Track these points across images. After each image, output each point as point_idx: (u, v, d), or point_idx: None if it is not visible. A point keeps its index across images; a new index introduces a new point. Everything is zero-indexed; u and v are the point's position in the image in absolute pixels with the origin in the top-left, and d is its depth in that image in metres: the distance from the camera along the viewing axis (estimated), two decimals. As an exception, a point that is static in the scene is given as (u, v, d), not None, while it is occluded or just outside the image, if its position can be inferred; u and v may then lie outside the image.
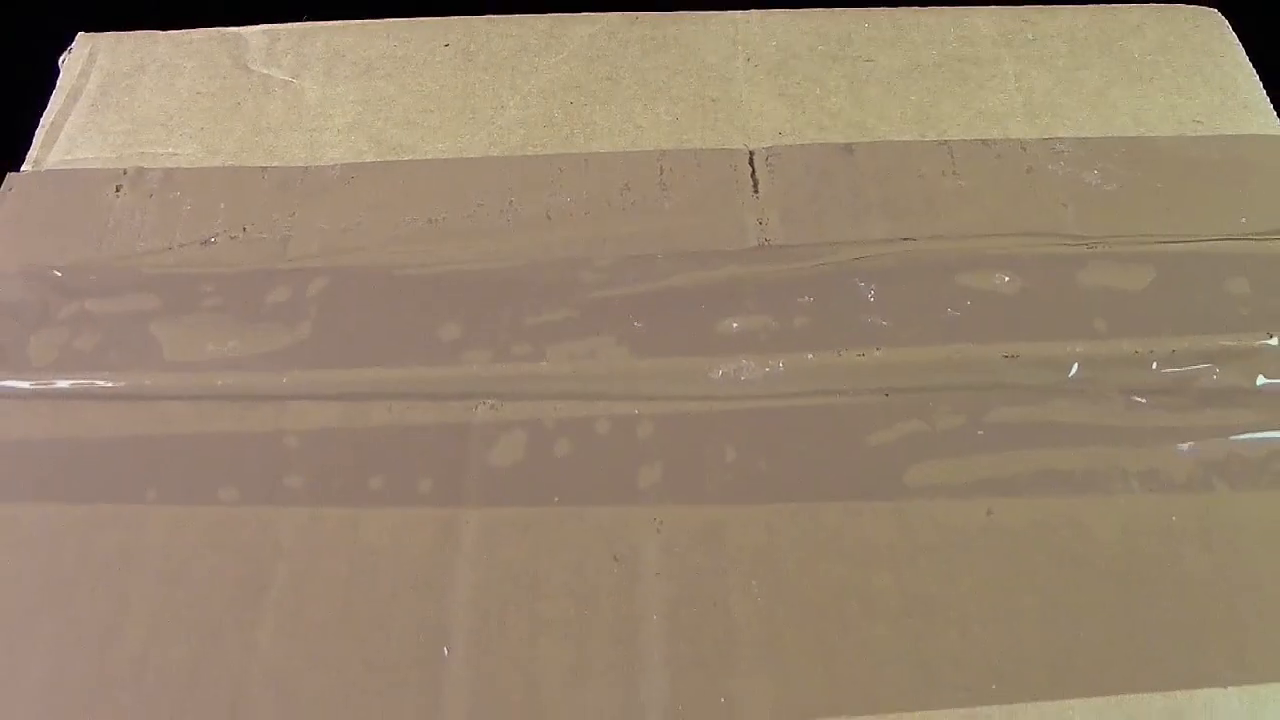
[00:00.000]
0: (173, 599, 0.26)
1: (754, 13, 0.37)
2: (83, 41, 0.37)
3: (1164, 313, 0.30)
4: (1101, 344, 0.29)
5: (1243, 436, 0.28)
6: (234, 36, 0.37)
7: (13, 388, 0.29)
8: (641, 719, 0.24)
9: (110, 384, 0.29)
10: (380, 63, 0.36)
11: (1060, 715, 0.24)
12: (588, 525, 0.26)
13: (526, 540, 0.26)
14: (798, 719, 0.24)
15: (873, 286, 0.30)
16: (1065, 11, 0.37)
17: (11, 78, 0.38)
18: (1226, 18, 0.37)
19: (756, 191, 0.32)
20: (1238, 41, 0.36)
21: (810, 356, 0.29)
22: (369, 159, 0.33)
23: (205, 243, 0.32)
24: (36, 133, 0.35)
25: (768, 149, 0.33)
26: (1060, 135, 0.34)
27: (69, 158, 0.34)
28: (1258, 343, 0.29)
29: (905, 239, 0.31)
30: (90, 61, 0.36)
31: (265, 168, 0.33)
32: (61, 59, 0.37)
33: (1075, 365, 0.29)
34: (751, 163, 0.33)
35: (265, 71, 0.36)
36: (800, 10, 0.37)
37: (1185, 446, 0.27)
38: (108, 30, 0.38)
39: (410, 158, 0.33)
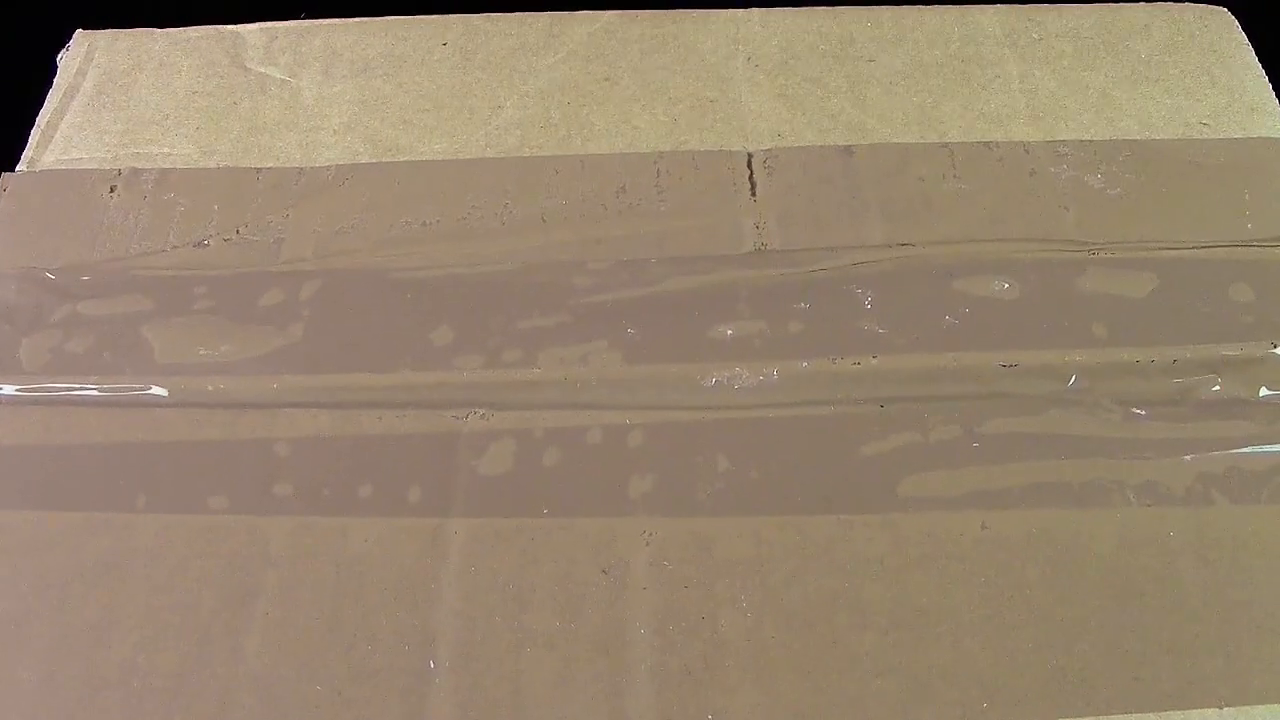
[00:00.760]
0: (161, 606, 0.26)
1: (755, 11, 0.37)
2: (80, 39, 0.37)
3: (1165, 321, 0.29)
4: (1101, 352, 0.29)
5: (1244, 450, 0.27)
6: (232, 35, 0.37)
7: (3, 393, 0.29)
8: (626, 734, 0.24)
9: (100, 390, 0.29)
10: (378, 61, 0.36)
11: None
12: (576, 537, 0.26)
13: (514, 551, 0.26)
14: (784, 735, 0.24)
15: (870, 293, 0.30)
16: (1071, 10, 0.36)
17: (9, 76, 0.38)
18: (1236, 16, 0.36)
19: (754, 195, 0.32)
20: (1247, 41, 0.35)
21: (805, 364, 0.29)
22: (365, 160, 0.33)
23: (199, 244, 0.32)
24: (32, 132, 0.35)
25: (766, 151, 0.33)
26: (1064, 138, 0.33)
27: (64, 157, 0.34)
28: (1261, 353, 0.28)
29: (904, 244, 0.31)
30: (87, 60, 0.36)
31: (260, 169, 0.33)
32: (59, 57, 0.37)
33: (1074, 376, 0.28)
34: (750, 165, 0.33)
35: (263, 70, 0.36)
36: (802, 9, 0.37)
37: (1185, 459, 0.27)
38: (106, 28, 0.38)
39: (406, 158, 0.33)
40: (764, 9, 0.37)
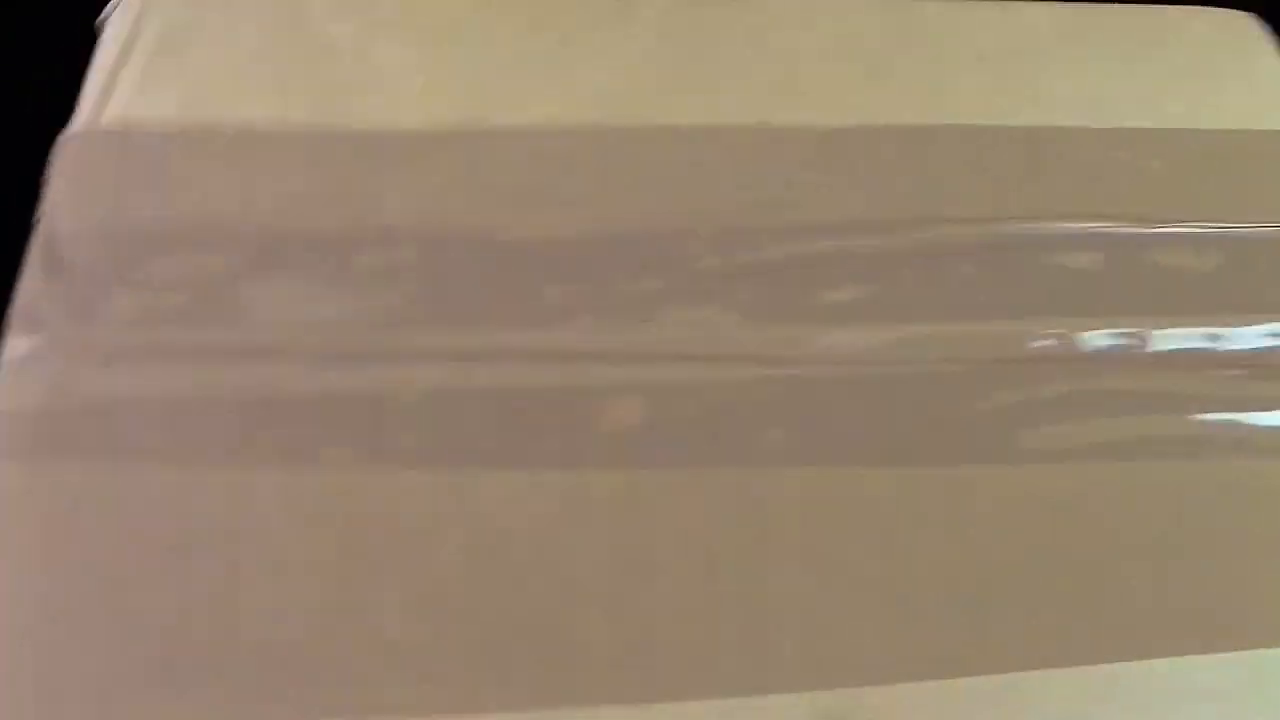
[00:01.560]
0: (288, 566, 0.25)
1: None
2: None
3: (1234, 292, 0.31)
4: (1179, 318, 0.30)
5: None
6: (296, 3, 0.36)
7: (88, 343, 0.28)
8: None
9: (196, 344, 0.28)
10: (452, 28, 0.35)
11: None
12: (709, 487, 0.26)
13: (650, 504, 0.26)
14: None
15: (966, 262, 0.31)
16: (1114, 9, 0.38)
17: (48, 38, 0.36)
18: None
19: (841, 170, 0.33)
20: (1275, 44, 0.38)
21: (912, 328, 0.29)
22: (449, 125, 0.33)
23: (283, 205, 0.30)
24: (84, 92, 0.34)
25: (855, 127, 0.33)
26: (1122, 125, 0.35)
27: (126, 116, 0.33)
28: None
29: (993, 219, 0.32)
30: (139, 20, 0.35)
31: (341, 132, 0.32)
32: (102, 18, 0.36)
33: (1155, 339, 0.29)
34: (833, 141, 0.33)
35: (331, 30, 0.35)
36: None
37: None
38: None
39: (490, 125, 0.33)
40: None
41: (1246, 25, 0.38)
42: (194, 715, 0.23)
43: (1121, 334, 0.30)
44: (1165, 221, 0.33)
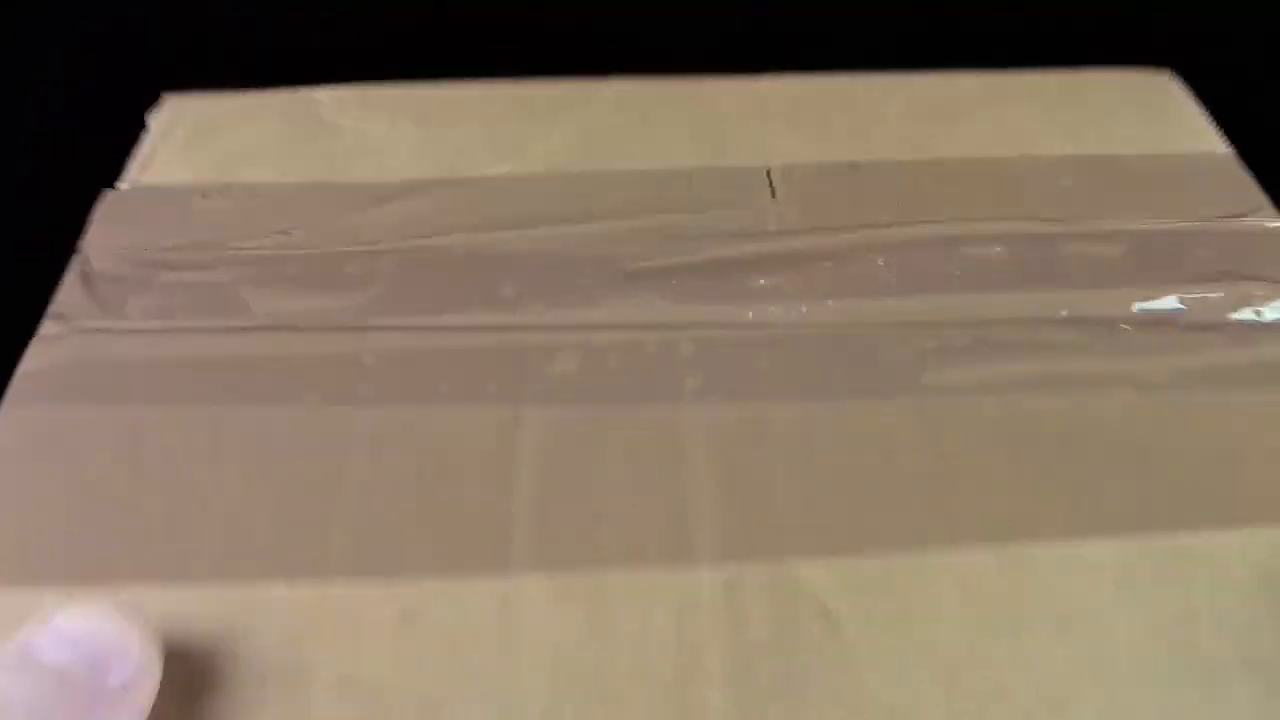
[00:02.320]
0: (257, 481, 0.28)
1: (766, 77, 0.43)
2: (170, 101, 0.42)
3: (1135, 275, 0.34)
4: (1085, 293, 0.33)
5: (1219, 352, 0.31)
6: (305, 96, 0.42)
7: (110, 327, 0.32)
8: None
9: (202, 325, 0.32)
10: (438, 111, 0.41)
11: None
12: (637, 424, 0.29)
13: (582, 437, 0.29)
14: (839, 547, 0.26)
15: (883, 256, 0.34)
16: (1037, 74, 0.43)
17: (100, 136, 0.43)
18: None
19: (774, 196, 0.37)
20: (1193, 101, 0.42)
21: (831, 302, 0.33)
22: (426, 177, 0.38)
23: (285, 232, 0.36)
24: (128, 165, 0.40)
25: (783, 166, 0.38)
26: (1038, 153, 0.39)
27: (157, 179, 0.39)
28: (1224, 291, 0.33)
29: (909, 223, 0.35)
30: (176, 114, 0.41)
31: (337, 183, 0.38)
32: (150, 114, 0.42)
33: (1064, 309, 0.32)
34: (769, 176, 0.38)
35: (335, 120, 0.41)
36: (810, 75, 0.43)
37: (1170, 359, 0.31)
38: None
39: (461, 176, 0.38)
40: (776, 75, 0.43)
41: (1165, 81, 0.43)
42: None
43: (1027, 301, 0.33)
44: (1072, 220, 0.36)
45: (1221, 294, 0.33)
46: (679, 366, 0.31)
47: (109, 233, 0.36)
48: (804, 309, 0.33)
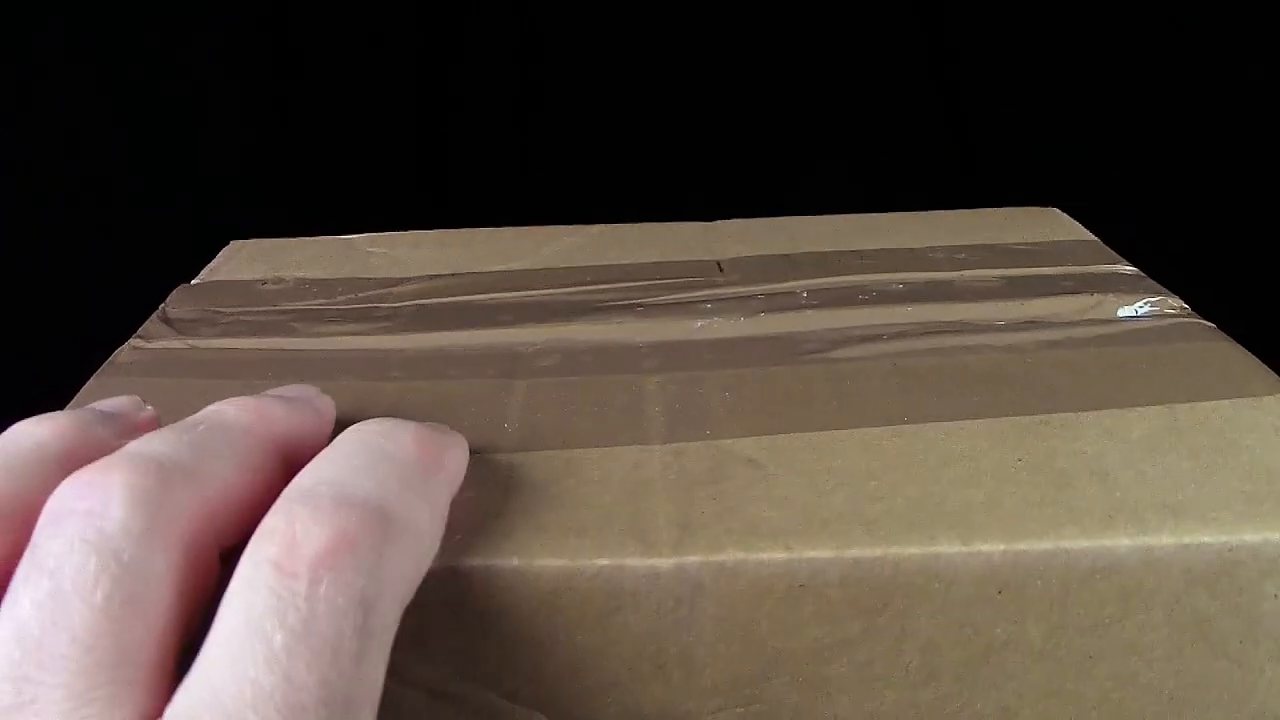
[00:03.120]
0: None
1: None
2: (233, 245, 0.53)
3: (1014, 292, 0.42)
4: (971, 305, 0.41)
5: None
6: (345, 240, 0.53)
7: (179, 345, 0.41)
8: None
9: (252, 346, 0.41)
10: (454, 239, 0.51)
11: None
12: (605, 382, 0.37)
13: (559, 388, 0.36)
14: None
15: (806, 292, 0.43)
16: (946, 211, 0.53)
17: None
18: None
19: (721, 271, 0.46)
20: (1080, 226, 0.52)
21: (763, 315, 0.41)
22: (446, 271, 0.48)
23: (329, 297, 0.45)
24: (200, 274, 0.50)
25: (731, 259, 0.47)
26: (932, 244, 0.48)
27: (225, 278, 0.48)
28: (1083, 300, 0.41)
29: (831, 275, 0.45)
30: (237, 249, 0.52)
31: (371, 278, 0.47)
32: (219, 256, 0.53)
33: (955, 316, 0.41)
34: (719, 265, 0.47)
35: (367, 248, 0.51)
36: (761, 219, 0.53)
37: (1039, 334, 0.39)
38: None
39: (475, 270, 0.48)
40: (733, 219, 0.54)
41: (1054, 213, 0.53)
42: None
43: (922, 310, 0.41)
44: (965, 269, 0.45)
45: (1082, 300, 0.41)
46: (639, 356, 0.39)
47: (183, 297, 0.45)
48: (741, 319, 0.41)
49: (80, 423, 0.26)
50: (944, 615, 0.27)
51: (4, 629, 0.19)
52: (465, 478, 0.29)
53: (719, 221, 0.54)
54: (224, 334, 0.41)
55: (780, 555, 0.27)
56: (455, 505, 0.28)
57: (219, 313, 0.43)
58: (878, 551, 0.27)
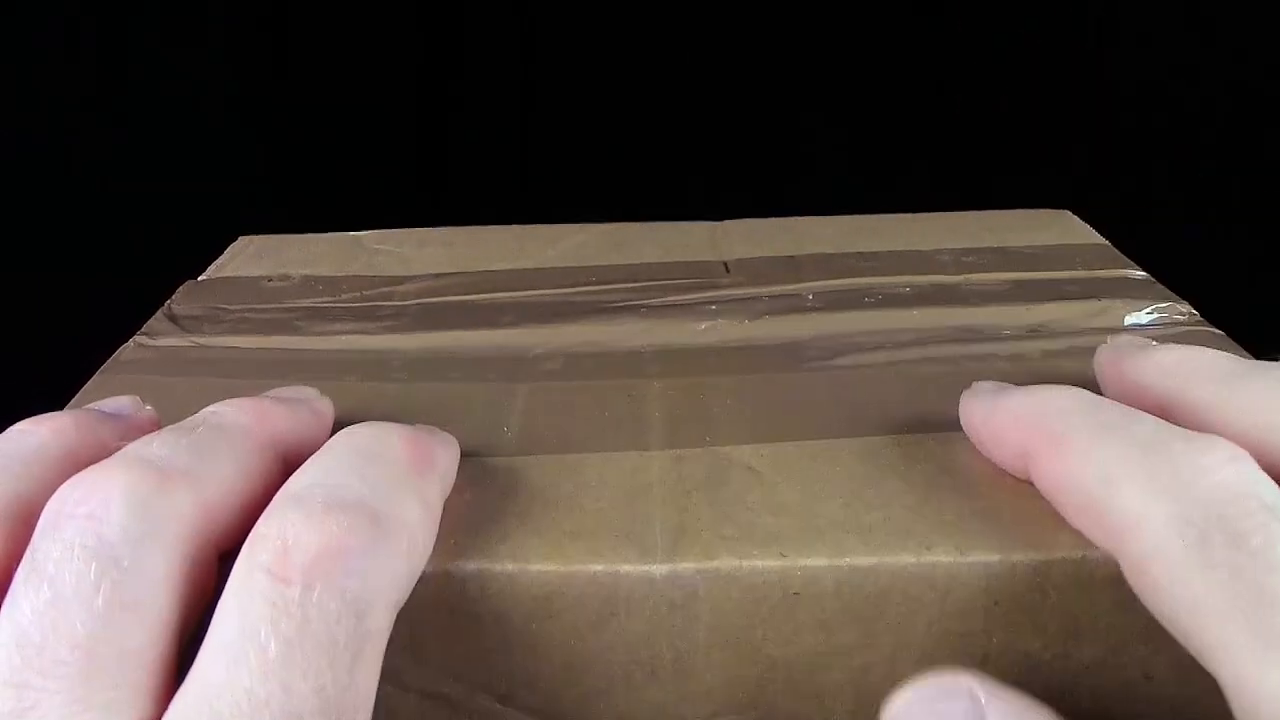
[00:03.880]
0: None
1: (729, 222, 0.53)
2: (242, 240, 0.53)
3: (1021, 296, 0.42)
4: (976, 309, 0.41)
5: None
6: (353, 236, 0.53)
7: (184, 343, 0.41)
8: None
9: (257, 344, 0.41)
10: (460, 238, 0.51)
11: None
12: (606, 385, 0.37)
13: (560, 391, 0.36)
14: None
15: (811, 294, 0.43)
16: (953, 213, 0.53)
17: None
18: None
19: (728, 272, 0.46)
20: (1089, 227, 0.51)
21: (766, 318, 0.41)
22: (450, 270, 0.47)
23: (334, 294, 0.45)
24: (207, 269, 0.50)
25: (737, 260, 0.47)
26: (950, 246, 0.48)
27: (231, 274, 0.48)
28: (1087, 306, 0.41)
29: (836, 278, 0.44)
30: (245, 245, 0.52)
31: (376, 275, 0.47)
32: (227, 250, 0.53)
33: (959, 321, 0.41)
34: (725, 265, 0.47)
35: (374, 246, 0.51)
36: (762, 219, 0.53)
37: (1040, 344, 0.39)
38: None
39: (481, 268, 0.48)
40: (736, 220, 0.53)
41: (1065, 215, 0.53)
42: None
43: (927, 314, 0.41)
44: (972, 273, 0.45)
45: (1089, 306, 0.41)
46: (642, 361, 0.39)
47: (189, 294, 0.45)
48: (745, 322, 0.41)
49: (81, 423, 0.26)
50: (940, 624, 0.27)
51: (4, 634, 0.19)
52: (462, 480, 0.29)
53: (725, 222, 0.54)
54: (229, 332, 0.41)
55: (775, 562, 0.27)
56: (451, 508, 0.28)
57: (224, 310, 0.43)
58: (873, 560, 0.27)
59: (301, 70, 0.66)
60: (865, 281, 0.44)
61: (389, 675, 0.25)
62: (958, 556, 0.27)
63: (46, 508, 0.20)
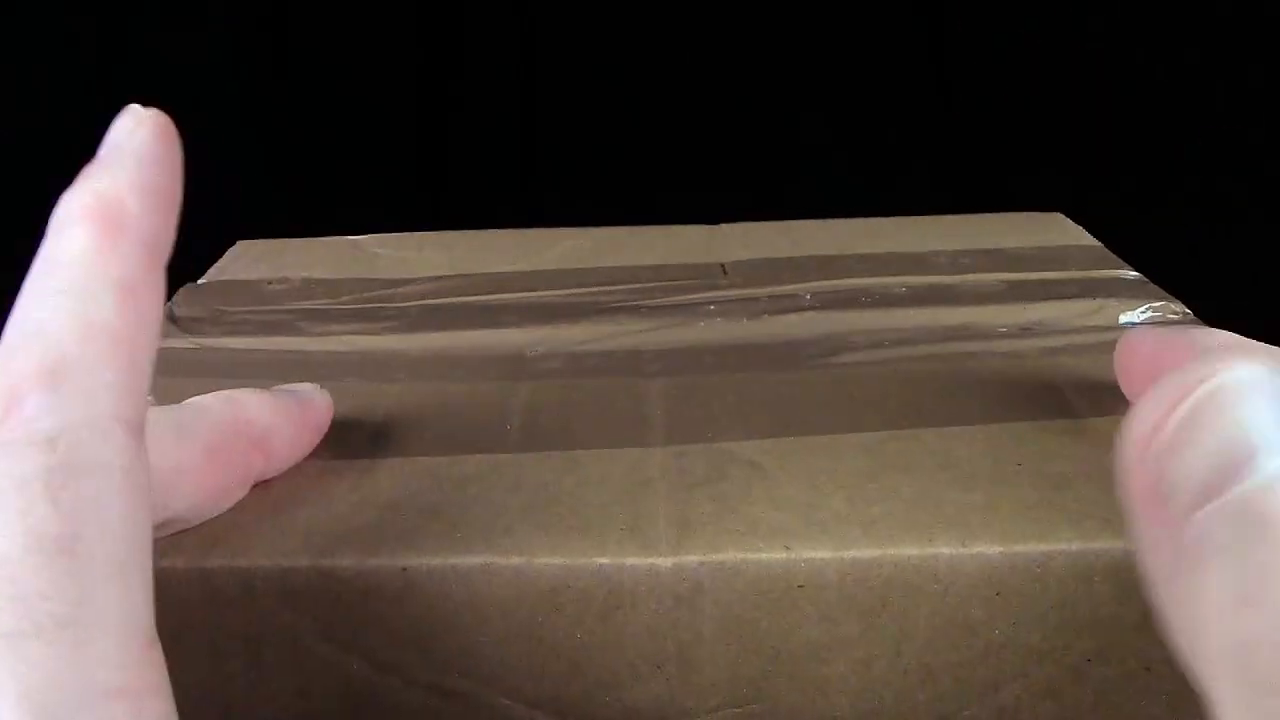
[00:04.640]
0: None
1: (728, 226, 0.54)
2: (240, 245, 0.53)
3: (1013, 296, 0.43)
4: (971, 309, 0.42)
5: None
6: (351, 240, 0.53)
7: (186, 345, 0.41)
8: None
9: (259, 344, 0.41)
10: (460, 241, 0.51)
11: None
12: (607, 385, 0.37)
13: (561, 391, 0.37)
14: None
15: (809, 294, 0.43)
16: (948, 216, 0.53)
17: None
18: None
19: (725, 274, 0.46)
20: (1082, 230, 0.51)
21: (765, 317, 0.41)
22: (449, 272, 0.48)
23: (334, 296, 0.45)
24: (209, 272, 0.50)
25: (734, 261, 0.48)
26: (939, 248, 0.48)
27: (229, 277, 0.48)
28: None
29: (832, 278, 0.45)
30: (245, 249, 0.52)
31: (378, 278, 0.47)
32: (225, 256, 0.53)
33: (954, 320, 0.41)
34: (723, 267, 0.47)
35: (373, 249, 0.51)
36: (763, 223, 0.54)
37: (1036, 342, 0.39)
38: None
39: (480, 271, 0.48)
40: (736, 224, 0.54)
41: (1058, 218, 0.53)
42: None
43: (923, 314, 0.41)
44: (967, 274, 0.45)
45: (1084, 305, 0.41)
46: (642, 360, 0.39)
47: (190, 296, 0.46)
48: (744, 321, 0.41)
49: None
50: (942, 616, 0.27)
51: None
52: (466, 475, 0.29)
53: (723, 225, 0.54)
54: (230, 333, 0.41)
55: (779, 555, 0.27)
56: (456, 504, 0.28)
57: (225, 312, 0.43)
58: (876, 552, 0.27)
59: (301, 70, 0.66)
60: (862, 282, 0.44)
61: (394, 668, 0.25)
62: (960, 548, 0.27)
63: None
